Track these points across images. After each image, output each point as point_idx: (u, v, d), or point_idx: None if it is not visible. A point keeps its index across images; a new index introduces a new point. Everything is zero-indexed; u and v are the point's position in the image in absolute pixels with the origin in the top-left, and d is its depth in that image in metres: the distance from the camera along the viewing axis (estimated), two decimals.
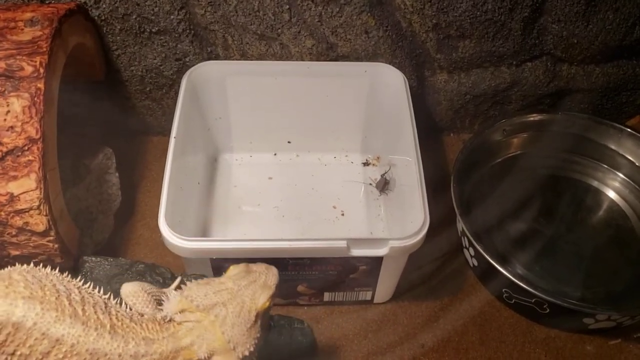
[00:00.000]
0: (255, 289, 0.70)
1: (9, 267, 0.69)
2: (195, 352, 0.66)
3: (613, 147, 1.28)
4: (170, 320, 0.69)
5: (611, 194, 1.29)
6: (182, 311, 0.69)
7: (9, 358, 0.62)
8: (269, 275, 0.73)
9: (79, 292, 0.68)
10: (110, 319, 0.66)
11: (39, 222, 0.88)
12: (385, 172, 1.23)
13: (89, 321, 0.65)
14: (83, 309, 0.65)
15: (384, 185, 1.23)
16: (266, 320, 0.73)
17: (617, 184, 1.29)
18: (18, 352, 0.62)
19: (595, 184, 1.31)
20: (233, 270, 0.73)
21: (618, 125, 1.27)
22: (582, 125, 1.29)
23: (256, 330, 0.69)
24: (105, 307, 0.68)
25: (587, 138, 1.29)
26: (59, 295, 0.65)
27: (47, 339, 0.62)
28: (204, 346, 0.67)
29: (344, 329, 1.08)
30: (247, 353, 0.68)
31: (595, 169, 1.31)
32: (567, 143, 1.30)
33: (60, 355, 0.62)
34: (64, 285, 0.68)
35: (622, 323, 1.03)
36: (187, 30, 1.17)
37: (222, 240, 0.98)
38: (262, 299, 0.70)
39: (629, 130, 1.26)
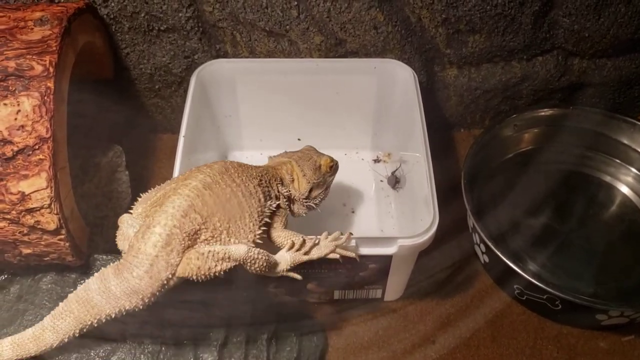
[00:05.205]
0: (319, 154, 1.04)
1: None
2: (284, 174, 0.97)
3: (626, 141, 1.27)
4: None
5: (624, 189, 1.28)
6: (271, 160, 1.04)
7: None
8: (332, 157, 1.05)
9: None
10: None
11: (50, 220, 0.89)
12: (396, 169, 1.23)
13: None
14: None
15: (395, 182, 1.23)
16: (327, 179, 1.03)
17: (629, 179, 1.28)
18: None
19: (607, 179, 1.30)
20: (304, 147, 1.07)
21: (631, 120, 1.25)
22: (594, 119, 1.28)
23: (320, 173, 1.01)
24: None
25: (600, 133, 1.28)
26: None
27: None
28: (287, 170, 0.98)
29: (354, 327, 1.08)
30: (312, 184, 0.99)
31: (608, 163, 1.30)
32: (579, 138, 1.29)
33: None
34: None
35: (635, 319, 1.03)
36: (196, 28, 1.17)
37: None
38: (324, 157, 1.02)
39: None
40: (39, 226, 0.89)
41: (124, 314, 0.79)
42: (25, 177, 0.87)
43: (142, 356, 0.90)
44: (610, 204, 1.27)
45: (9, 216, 0.88)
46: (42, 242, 0.92)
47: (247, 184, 0.88)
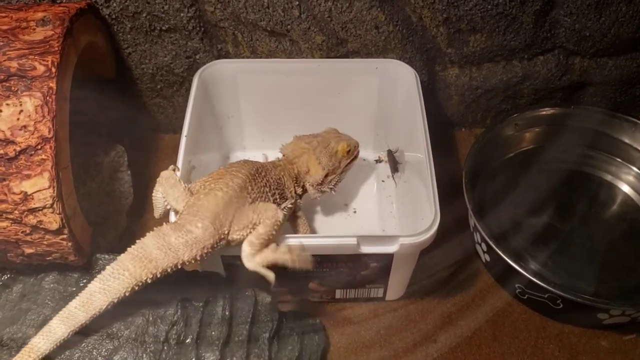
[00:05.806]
0: (338, 139, 1.09)
1: None
2: (299, 166, 1.07)
3: (627, 140, 1.27)
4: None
5: (625, 188, 1.28)
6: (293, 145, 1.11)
7: None
8: (352, 140, 1.12)
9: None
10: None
11: (52, 220, 0.89)
12: (396, 151, 1.23)
13: None
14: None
15: (394, 162, 1.22)
16: (344, 163, 1.10)
17: (631, 178, 1.28)
18: None
19: (609, 178, 1.30)
20: (327, 129, 1.14)
21: (632, 119, 1.26)
22: (595, 119, 1.28)
23: (336, 159, 1.08)
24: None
25: (601, 132, 1.28)
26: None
27: None
28: (303, 162, 1.07)
29: (355, 326, 1.08)
30: (327, 170, 1.08)
31: (609, 163, 1.30)
32: (580, 137, 1.29)
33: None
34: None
35: (636, 318, 1.03)
36: (197, 28, 1.17)
37: None
38: (342, 143, 1.08)
39: None
40: (41, 226, 0.89)
41: (179, 267, 0.85)
42: (28, 177, 0.87)
43: (144, 355, 0.90)
44: (612, 203, 1.27)
45: (11, 216, 0.88)
46: (45, 242, 0.92)
47: (272, 187, 1.00)
